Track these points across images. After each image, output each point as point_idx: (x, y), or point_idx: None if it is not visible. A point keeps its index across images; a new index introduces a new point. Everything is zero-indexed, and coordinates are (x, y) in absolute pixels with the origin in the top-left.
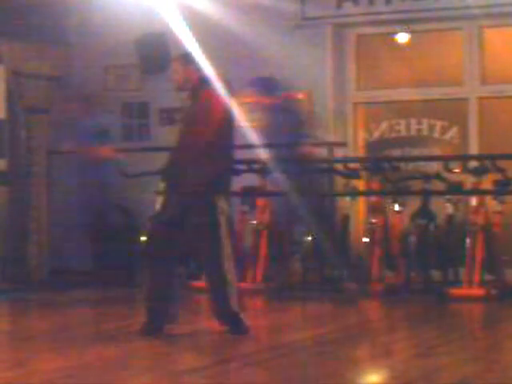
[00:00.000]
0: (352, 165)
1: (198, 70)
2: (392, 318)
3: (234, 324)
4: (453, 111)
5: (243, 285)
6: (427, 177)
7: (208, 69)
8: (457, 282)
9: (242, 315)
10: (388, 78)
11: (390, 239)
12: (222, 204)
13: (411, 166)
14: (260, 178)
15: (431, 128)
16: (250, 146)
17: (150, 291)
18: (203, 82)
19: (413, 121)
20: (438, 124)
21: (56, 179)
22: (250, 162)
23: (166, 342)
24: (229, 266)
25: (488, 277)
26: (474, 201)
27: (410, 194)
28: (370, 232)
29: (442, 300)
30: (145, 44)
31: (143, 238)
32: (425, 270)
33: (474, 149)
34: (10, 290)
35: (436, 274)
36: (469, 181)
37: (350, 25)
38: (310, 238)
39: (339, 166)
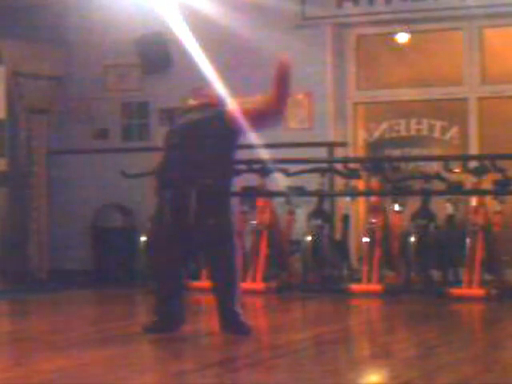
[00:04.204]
0: (352, 165)
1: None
2: (392, 318)
3: (238, 324)
4: (453, 111)
5: (243, 285)
6: (427, 177)
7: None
8: (457, 282)
9: (242, 316)
10: (388, 77)
11: (390, 239)
12: (231, 205)
13: (411, 165)
14: (260, 178)
15: (431, 128)
16: (249, 146)
17: (157, 292)
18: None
19: (413, 121)
20: (438, 124)
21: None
22: (250, 162)
23: (166, 342)
24: (238, 267)
25: (488, 277)
26: (474, 201)
27: (410, 194)
28: (370, 232)
29: (442, 300)
30: (145, 44)
31: (143, 238)
32: (425, 270)
33: (474, 149)
34: (10, 290)
35: (436, 274)
36: (469, 181)
37: (350, 25)
38: (309, 238)
39: (339, 166)
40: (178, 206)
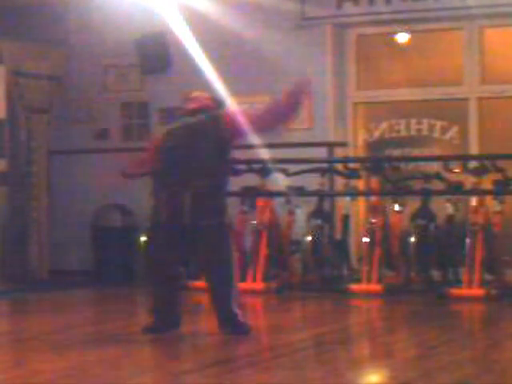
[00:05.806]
0: (352, 165)
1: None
2: (392, 318)
3: (237, 325)
4: (453, 111)
5: (243, 285)
6: (427, 177)
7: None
8: (457, 282)
9: (241, 316)
10: (388, 78)
11: (390, 239)
12: (227, 207)
13: (411, 165)
14: (260, 178)
15: (431, 128)
16: (249, 146)
17: (153, 294)
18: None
19: (413, 121)
20: (438, 124)
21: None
22: (250, 162)
23: (166, 342)
24: (234, 268)
25: (488, 277)
26: (474, 201)
27: (410, 194)
28: (370, 232)
29: (442, 300)
30: (145, 44)
31: (143, 238)
32: (425, 270)
33: (474, 149)
34: (10, 290)
35: (436, 274)
36: (469, 181)
37: (350, 25)
38: (309, 238)
39: (339, 166)
40: (174, 208)
